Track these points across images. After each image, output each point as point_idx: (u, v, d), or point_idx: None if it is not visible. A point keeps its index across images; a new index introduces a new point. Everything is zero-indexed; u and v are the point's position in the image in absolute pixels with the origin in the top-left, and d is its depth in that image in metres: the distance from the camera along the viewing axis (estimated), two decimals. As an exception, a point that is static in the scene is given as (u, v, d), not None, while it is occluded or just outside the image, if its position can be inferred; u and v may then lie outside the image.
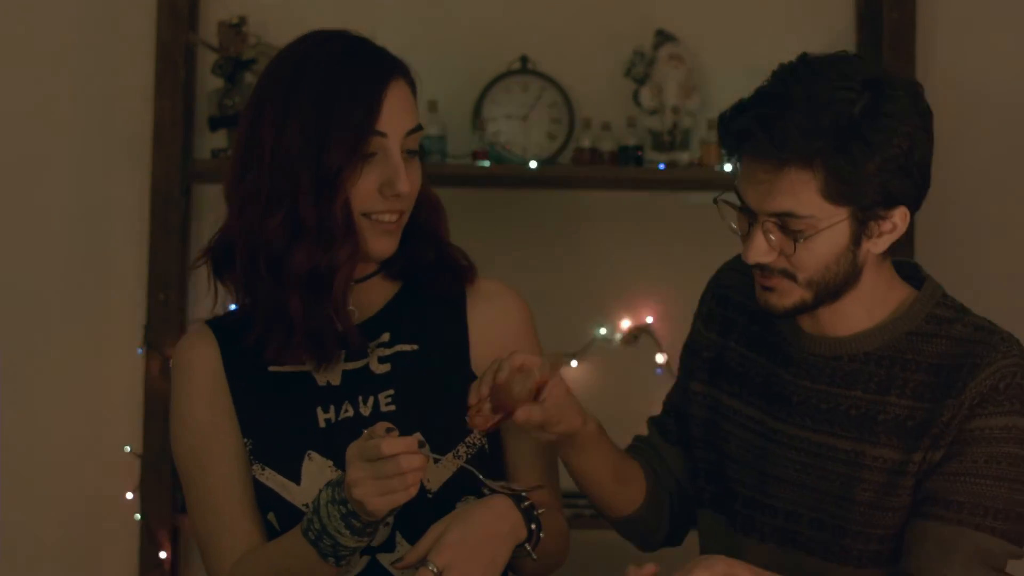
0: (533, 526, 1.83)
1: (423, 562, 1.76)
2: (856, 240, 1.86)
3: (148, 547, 3.20)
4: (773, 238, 1.85)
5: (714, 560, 1.79)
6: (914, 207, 1.90)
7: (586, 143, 3.25)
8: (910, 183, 1.85)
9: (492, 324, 1.97)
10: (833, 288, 1.89)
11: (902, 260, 2.00)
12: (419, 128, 1.88)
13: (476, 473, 1.83)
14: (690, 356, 2.10)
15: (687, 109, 3.24)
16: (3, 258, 3.31)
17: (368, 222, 1.86)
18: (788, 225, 1.84)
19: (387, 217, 1.86)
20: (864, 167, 1.81)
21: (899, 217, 1.88)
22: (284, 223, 1.82)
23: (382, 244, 1.88)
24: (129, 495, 3.25)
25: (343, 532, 1.74)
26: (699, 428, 2.06)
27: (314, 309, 1.85)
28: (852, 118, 1.82)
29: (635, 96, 3.28)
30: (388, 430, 1.71)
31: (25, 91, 3.32)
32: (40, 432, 3.29)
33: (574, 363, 3.30)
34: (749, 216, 1.87)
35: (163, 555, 3.20)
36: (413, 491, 1.71)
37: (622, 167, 3.22)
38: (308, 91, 1.82)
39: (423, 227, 1.94)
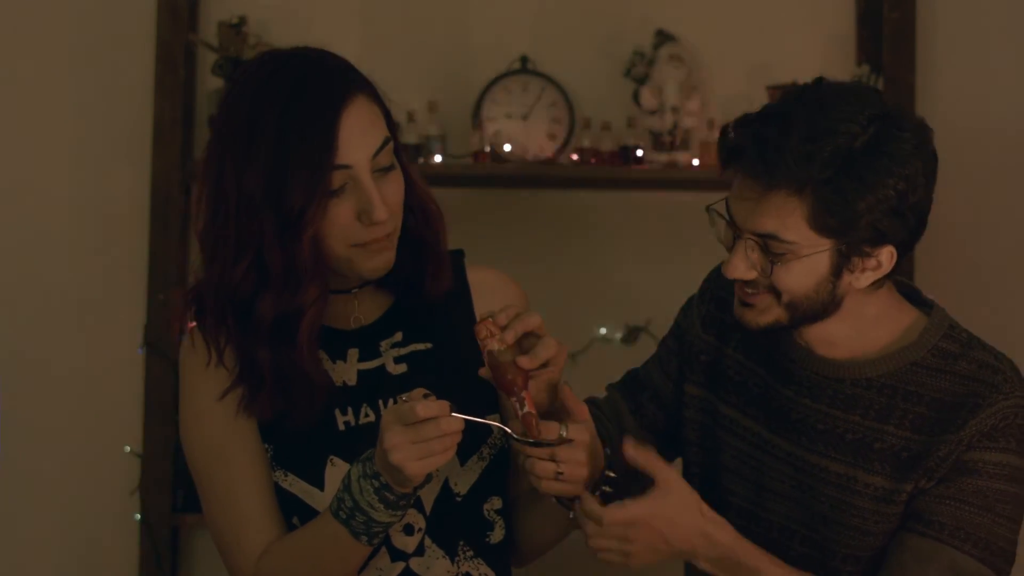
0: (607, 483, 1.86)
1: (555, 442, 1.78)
2: (836, 272, 1.84)
3: (148, 547, 3.21)
4: (753, 257, 1.85)
5: (687, 499, 1.82)
6: (905, 249, 1.87)
7: (586, 143, 3.25)
8: (902, 225, 1.83)
9: None
10: (811, 313, 1.88)
11: (899, 280, 1.98)
12: (388, 141, 1.81)
13: (508, 431, 1.80)
14: (684, 356, 2.09)
15: (687, 109, 3.24)
16: (3, 258, 3.32)
17: (356, 248, 1.82)
18: (769, 247, 1.83)
19: (375, 244, 1.82)
20: (855, 204, 1.79)
21: (885, 256, 1.85)
22: (250, 269, 1.79)
23: (375, 263, 1.84)
24: (129, 495, 3.25)
25: (376, 507, 1.74)
26: (694, 432, 2.05)
27: (283, 360, 1.83)
28: (851, 152, 1.78)
29: (635, 96, 3.29)
30: (425, 395, 1.72)
31: (25, 91, 3.32)
32: (40, 432, 3.29)
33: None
34: (735, 230, 1.86)
35: (163, 555, 3.21)
36: (450, 454, 1.71)
37: (622, 167, 3.22)
38: (263, 133, 1.76)
39: (412, 237, 1.90)
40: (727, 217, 1.87)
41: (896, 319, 1.94)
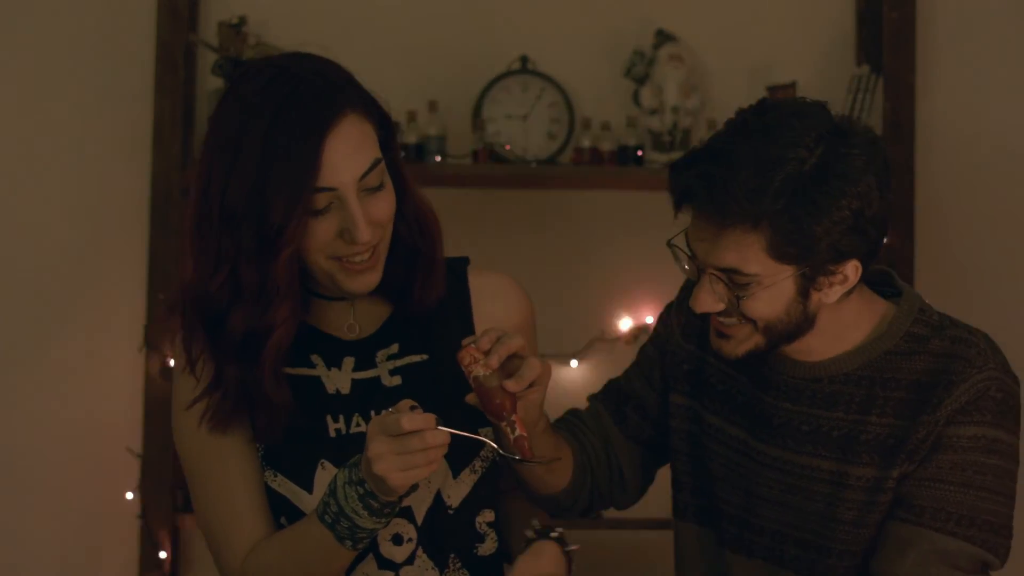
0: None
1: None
2: (804, 293, 1.84)
3: (148, 547, 3.21)
4: (719, 290, 1.84)
5: None
6: (869, 259, 1.86)
7: (586, 143, 3.25)
8: (862, 240, 1.81)
9: (498, 324, 1.91)
10: (787, 334, 1.87)
11: (875, 267, 1.96)
12: (378, 162, 1.79)
13: (494, 446, 1.81)
14: (666, 365, 2.07)
15: (687, 109, 3.24)
16: (3, 258, 3.31)
17: (338, 264, 1.82)
18: (733, 280, 1.82)
19: (357, 259, 1.81)
20: (811, 230, 1.77)
21: (850, 270, 1.84)
22: (226, 282, 1.79)
23: (358, 283, 1.84)
24: (129, 495, 3.25)
25: (361, 513, 1.74)
26: (682, 441, 2.04)
27: (247, 377, 1.83)
28: (800, 178, 1.77)
29: (635, 96, 3.29)
30: (412, 407, 1.71)
31: (25, 91, 3.32)
32: (40, 432, 3.29)
33: (574, 363, 3.31)
34: (698, 264, 1.85)
35: (163, 555, 3.21)
36: (434, 467, 1.70)
37: (622, 167, 3.23)
38: (249, 149, 1.74)
39: (406, 246, 1.89)
40: (688, 252, 1.86)
41: (869, 317, 1.93)
